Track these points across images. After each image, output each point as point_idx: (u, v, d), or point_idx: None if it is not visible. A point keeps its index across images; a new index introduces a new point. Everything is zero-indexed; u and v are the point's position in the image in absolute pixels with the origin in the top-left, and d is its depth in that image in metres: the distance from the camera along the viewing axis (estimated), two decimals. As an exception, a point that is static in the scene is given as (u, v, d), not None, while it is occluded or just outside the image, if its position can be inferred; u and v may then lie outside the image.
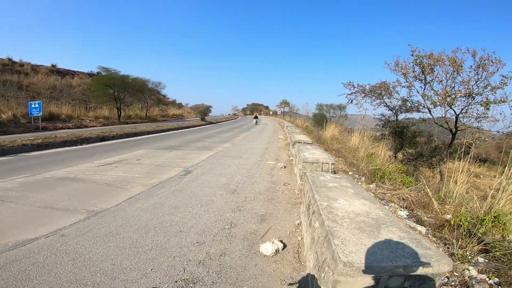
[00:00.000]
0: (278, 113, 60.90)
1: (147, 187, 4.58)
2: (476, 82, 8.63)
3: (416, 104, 10.83)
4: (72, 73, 35.07)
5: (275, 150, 9.82)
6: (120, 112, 25.53)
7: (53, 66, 33.23)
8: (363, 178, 6.40)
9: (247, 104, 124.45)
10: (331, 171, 4.33)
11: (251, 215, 3.51)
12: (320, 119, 26.44)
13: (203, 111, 31.96)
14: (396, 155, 13.40)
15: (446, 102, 9.02)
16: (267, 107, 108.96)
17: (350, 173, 6.82)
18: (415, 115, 12.12)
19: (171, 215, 3.39)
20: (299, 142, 6.88)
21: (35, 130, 16.13)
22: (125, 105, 27.72)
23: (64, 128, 18.08)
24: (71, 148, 9.47)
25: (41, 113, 16.88)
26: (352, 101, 12.50)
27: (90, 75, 34.49)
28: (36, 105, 16.82)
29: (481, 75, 8.47)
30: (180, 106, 57.54)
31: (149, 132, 15.46)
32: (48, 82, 28.16)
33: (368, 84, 12.23)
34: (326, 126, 15.08)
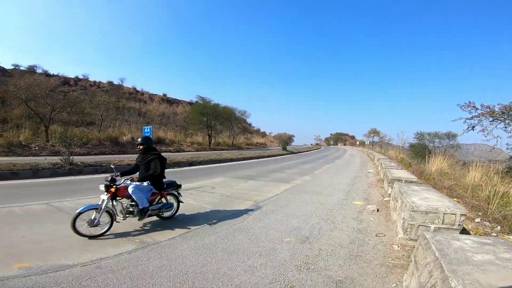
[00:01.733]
0: (366, 143, 55.11)
1: (209, 221, 4.12)
2: None
3: None
4: (177, 102, 41.88)
5: (364, 187, 8.16)
6: (211, 139, 28.18)
7: (164, 95, 40.56)
8: (498, 227, 4.58)
9: (331, 134, 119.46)
10: (458, 225, 2.80)
11: (322, 280, 2.44)
12: (420, 150, 22.17)
13: (285, 141, 31.87)
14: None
15: None
16: (353, 137, 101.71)
17: (477, 219, 4.80)
18: None
19: (219, 263, 2.69)
20: (399, 180, 5.28)
21: (145, 153, 19.34)
22: (215, 133, 30.56)
23: (167, 152, 20.94)
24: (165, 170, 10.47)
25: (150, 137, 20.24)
26: (473, 127, 9.49)
27: (190, 103, 39.41)
28: (148, 130, 20.20)
29: None
30: (263, 135, 59.97)
31: (231, 160, 16.01)
32: (159, 109, 34.36)
33: (499, 104, 9.09)
34: (430, 158, 12.09)
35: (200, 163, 13.25)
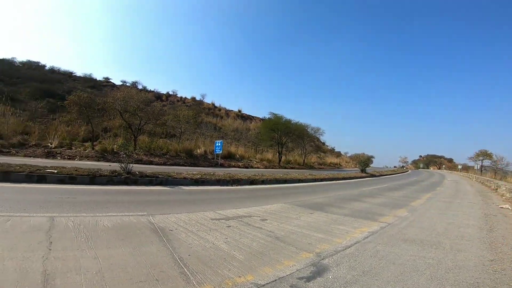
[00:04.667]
0: (475, 168, 42.88)
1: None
2: None
3: None
4: (251, 118, 42.32)
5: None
6: (281, 157, 26.65)
7: (239, 111, 41.61)
8: None
9: (420, 156, 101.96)
10: None
11: None
12: None
13: (364, 162, 27.32)
14: None
15: None
16: (450, 160, 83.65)
17: None
18: None
19: None
20: None
21: (215, 166, 19.16)
22: (286, 150, 28.91)
23: (235, 167, 20.40)
24: (219, 187, 9.40)
25: (221, 151, 19.98)
26: None
27: (263, 120, 38.69)
28: (219, 144, 20.14)
29: None
30: (338, 154, 54.81)
31: (299, 180, 13.89)
32: (233, 125, 35.15)
33: None
34: None
35: (263, 182, 11.73)
